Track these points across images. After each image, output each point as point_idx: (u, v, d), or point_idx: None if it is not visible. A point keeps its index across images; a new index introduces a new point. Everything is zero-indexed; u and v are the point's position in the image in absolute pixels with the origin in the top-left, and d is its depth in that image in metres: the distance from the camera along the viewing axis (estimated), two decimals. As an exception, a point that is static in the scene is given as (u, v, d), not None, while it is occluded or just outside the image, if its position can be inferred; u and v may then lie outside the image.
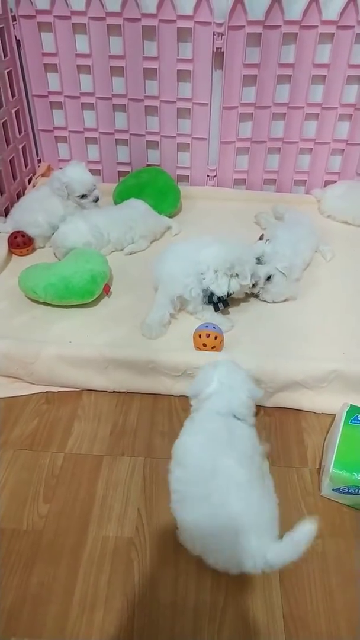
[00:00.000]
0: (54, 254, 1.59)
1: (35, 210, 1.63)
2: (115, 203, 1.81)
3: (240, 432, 0.94)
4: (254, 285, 1.40)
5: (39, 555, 0.94)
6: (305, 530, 0.78)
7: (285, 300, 1.45)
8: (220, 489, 0.84)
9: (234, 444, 0.91)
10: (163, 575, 0.92)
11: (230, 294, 1.34)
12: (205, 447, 0.90)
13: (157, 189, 1.78)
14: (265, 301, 1.44)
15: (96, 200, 1.66)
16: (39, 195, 1.67)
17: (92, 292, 1.38)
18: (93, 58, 1.75)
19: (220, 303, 1.35)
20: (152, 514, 1.01)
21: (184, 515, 0.87)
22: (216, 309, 1.35)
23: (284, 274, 1.41)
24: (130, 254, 1.65)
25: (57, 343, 1.26)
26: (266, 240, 1.48)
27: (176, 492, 0.89)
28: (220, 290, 1.32)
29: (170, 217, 1.78)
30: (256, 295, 1.45)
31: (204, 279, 1.32)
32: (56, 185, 1.61)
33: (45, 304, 1.40)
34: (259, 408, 1.22)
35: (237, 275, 1.32)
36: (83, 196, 1.63)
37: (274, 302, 1.44)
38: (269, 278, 1.41)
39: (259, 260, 1.42)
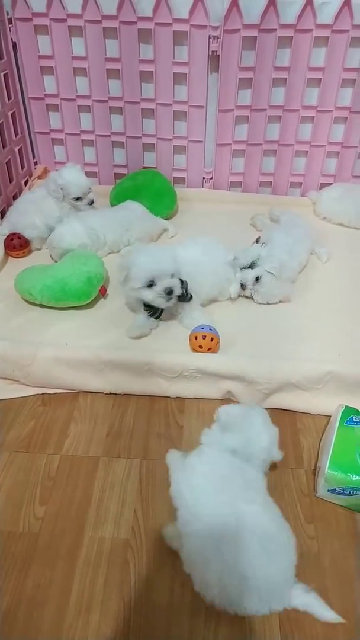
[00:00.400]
0: (50, 255, 1.59)
1: (31, 212, 1.63)
2: (112, 205, 1.81)
3: (254, 477, 0.91)
4: (243, 288, 1.43)
5: (35, 558, 0.94)
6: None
7: (279, 302, 1.45)
8: (243, 545, 0.80)
9: (250, 492, 0.87)
10: (159, 577, 0.92)
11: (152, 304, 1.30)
12: (222, 496, 0.85)
13: (154, 191, 1.79)
14: (259, 303, 1.45)
15: (91, 203, 1.67)
16: (34, 197, 1.67)
17: (89, 294, 1.38)
18: (89, 61, 1.75)
19: (151, 310, 1.33)
20: (148, 515, 1.01)
21: (202, 575, 0.83)
22: (149, 314, 1.34)
23: (272, 274, 1.41)
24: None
25: (53, 345, 1.26)
26: (262, 244, 1.49)
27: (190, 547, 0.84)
28: (144, 299, 1.30)
29: (166, 219, 1.78)
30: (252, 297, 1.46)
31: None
32: (52, 187, 1.61)
33: (41, 306, 1.40)
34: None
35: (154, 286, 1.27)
36: (78, 199, 1.64)
37: (268, 304, 1.45)
38: (257, 279, 1.41)
39: (251, 265, 1.43)
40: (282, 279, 1.44)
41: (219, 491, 0.86)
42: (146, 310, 1.33)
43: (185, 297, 1.31)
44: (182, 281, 1.30)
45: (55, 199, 1.62)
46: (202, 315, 1.36)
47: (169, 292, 1.26)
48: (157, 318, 1.35)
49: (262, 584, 0.79)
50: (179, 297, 1.30)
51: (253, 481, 0.90)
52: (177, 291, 1.28)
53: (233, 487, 0.87)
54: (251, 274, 1.41)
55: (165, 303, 1.28)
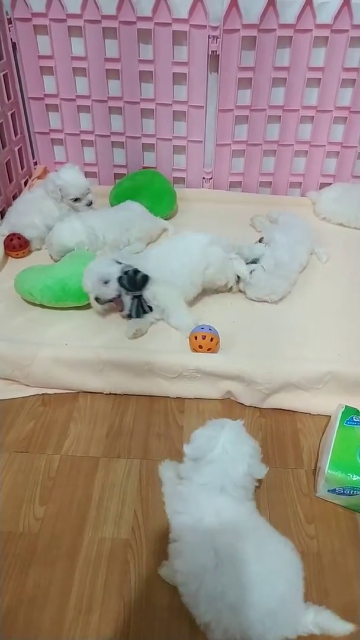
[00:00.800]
0: (50, 255, 1.59)
1: (31, 212, 1.63)
2: (112, 205, 1.81)
3: (235, 514, 0.87)
4: (237, 281, 1.44)
5: (35, 558, 0.94)
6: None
7: (269, 299, 1.45)
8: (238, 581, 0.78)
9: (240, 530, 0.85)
10: (159, 577, 0.92)
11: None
12: (209, 534, 0.83)
13: (153, 191, 1.79)
14: (250, 299, 1.46)
15: (89, 204, 1.67)
16: (33, 197, 1.67)
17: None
18: (89, 61, 1.75)
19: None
20: (149, 515, 1.01)
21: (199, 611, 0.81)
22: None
23: (263, 268, 1.42)
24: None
25: (53, 345, 1.26)
26: (265, 244, 1.49)
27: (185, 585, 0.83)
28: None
29: (166, 219, 1.78)
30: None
31: None
32: (50, 187, 1.61)
33: (41, 306, 1.40)
34: (255, 410, 1.23)
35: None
36: (77, 199, 1.64)
37: (257, 300, 1.45)
38: (251, 273, 1.42)
39: (254, 261, 1.44)
40: (275, 276, 1.44)
41: (205, 534, 0.84)
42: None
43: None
44: (128, 286, 1.33)
45: (54, 200, 1.62)
46: (185, 313, 1.35)
47: (97, 299, 1.33)
48: (129, 317, 1.36)
49: (264, 610, 0.77)
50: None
51: (235, 522, 0.86)
52: (107, 297, 1.34)
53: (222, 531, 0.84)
54: (252, 255, 1.43)
55: (99, 307, 1.35)
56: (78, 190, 1.62)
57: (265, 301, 1.46)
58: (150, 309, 1.36)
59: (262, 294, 1.44)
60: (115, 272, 1.32)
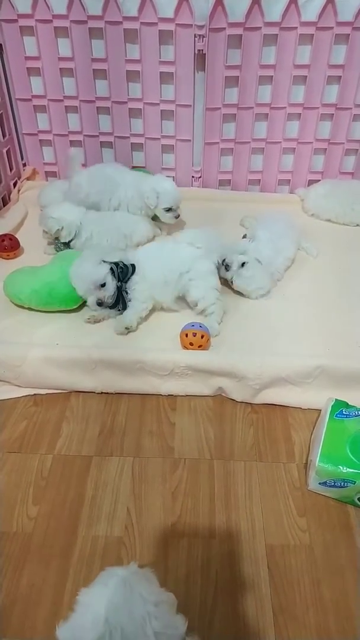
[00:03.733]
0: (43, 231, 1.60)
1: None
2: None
3: None
4: (227, 269, 1.44)
5: (29, 557, 0.94)
6: None
7: (257, 296, 1.47)
8: None
9: None
10: (153, 573, 0.92)
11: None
12: None
13: (143, 191, 1.79)
14: (239, 293, 1.46)
15: (177, 216, 1.67)
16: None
17: (76, 299, 1.37)
18: (76, 61, 1.75)
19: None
20: (142, 513, 1.01)
21: None
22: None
23: (259, 261, 1.44)
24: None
25: (44, 345, 1.26)
26: (249, 240, 1.51)
27: None
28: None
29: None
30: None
31: None
32: (148, 192, 1.60)
33: (30, 309, 1.40)
34: (246, 405, 1.24)
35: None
36: (169, 209, 1.64)
37: (245, 291, 1.46)
38: (243, 264, 1.43)
39: (243, 264, 1.45)
40: (259, 273, 1.45)
41: None
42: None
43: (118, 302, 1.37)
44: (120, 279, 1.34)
45: (140, 207, 1.64)
46: (134, 313, 1.35)
47: (99, 303, 1.34)
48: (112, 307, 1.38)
49: None
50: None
51: None
52: (108, 302, 1.34)
53: None
54: (239, 258, 1.43)
55: (100, 310, 1.36)
56: (174, 201, 1.63)
57: (256, 296, 1.47)
58: (124, 306, 1.37)
59: (251, 287, 1.45)
60: (106, 272, 1.32)
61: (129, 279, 1.36)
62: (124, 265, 1.36)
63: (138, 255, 1.42)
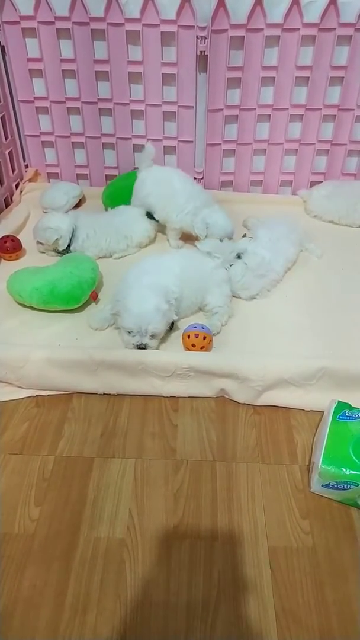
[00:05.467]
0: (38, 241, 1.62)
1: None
2: (105, 206, 1.81)
3: None
4: None
5: (31, 559, 0.94)
6: None
7: (253, 298, 1.47)
8: None
9: None
10: (155, 575, 0.92)
11: None
12: None
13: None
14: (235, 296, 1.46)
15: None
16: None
17: (78, 298, 1.38)
18: (78, 63, 1.76)
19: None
20: (144, 514, 1.01)
21: None
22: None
23: (246, 265, 1.44)
24: (120, 257, 1.66)
25: (46, 346, 1.26)
26: (249, 239, 1.51)
27: None
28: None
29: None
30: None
31: None
32: (197, 224, 1.57)
33: (32, 308, 1.40)
34: (248, 407, 1.23)
35: None
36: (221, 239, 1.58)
37: (239, 296, 1.47)
38: (239, 256, 1.45)
39: (238, 256, 1.47)
40: (257, 275, 1.45)
41: None
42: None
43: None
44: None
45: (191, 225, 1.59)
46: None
47: (141, 347, 1.26)
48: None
49: None
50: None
51: None
52: (151, 346, 1.27)
53: None
54: (235, 250, 1.46)
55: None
56: (224, 233, 1.56)
57: (254, 298, 1.48)
58: None
59: (245, 291, 1.46)
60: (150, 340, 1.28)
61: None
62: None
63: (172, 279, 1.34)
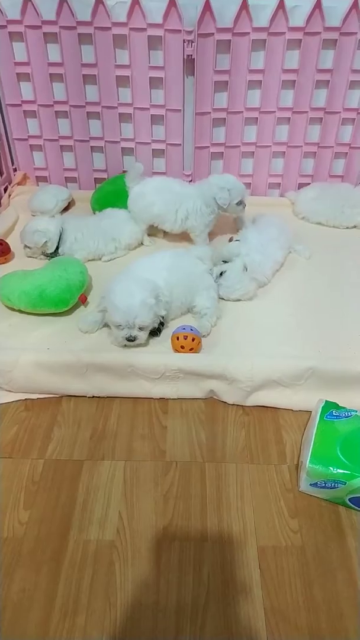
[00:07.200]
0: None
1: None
2: (93, 209, 1.82)
3: None
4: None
5: (20, 562, 0.94)
6: None
7: (239, 299, 1.48)
8: None
9: None
10: (144, 576, 0.92)
11: None
12: None
13: (134, 195, 1.79)
14: (222, 298, 1.47)
15: (245, 206, 1.68)
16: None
17: (66, 301, 1.38)
18: (65, 67, 1.76)
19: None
20: (133, 516, 1.01)
21: None
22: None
23: (246, 267, 1.46)
24: (110, 260, 1.66)
25: (34, 350, 1.26)
26: (237, 241, 1.52)
27: None
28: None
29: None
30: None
31: None
32: (215, 191, 1.59)
33: (21, 311, 1.40)
34: (238, 407, 1.24)
35: None
36: (240, 202, 1.64)
37: (229, 299, 1.47)
38: (221, 274, 1.46)
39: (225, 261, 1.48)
40: (247, 278, 1.47)
41: None
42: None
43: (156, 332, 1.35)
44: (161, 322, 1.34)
45: (208, 213, 1.62)
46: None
47: (130, 339, 1.28)
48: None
49: None
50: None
51: None
52: (141, 338, 1.29)
53: None
54: (217, 269, 1.47)
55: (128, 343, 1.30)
56: (243, 192, 1.64)
57: (239, 300, 1.48)
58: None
59: (234, 295, 1.47)
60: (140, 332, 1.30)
61: None
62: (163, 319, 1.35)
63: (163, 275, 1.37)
